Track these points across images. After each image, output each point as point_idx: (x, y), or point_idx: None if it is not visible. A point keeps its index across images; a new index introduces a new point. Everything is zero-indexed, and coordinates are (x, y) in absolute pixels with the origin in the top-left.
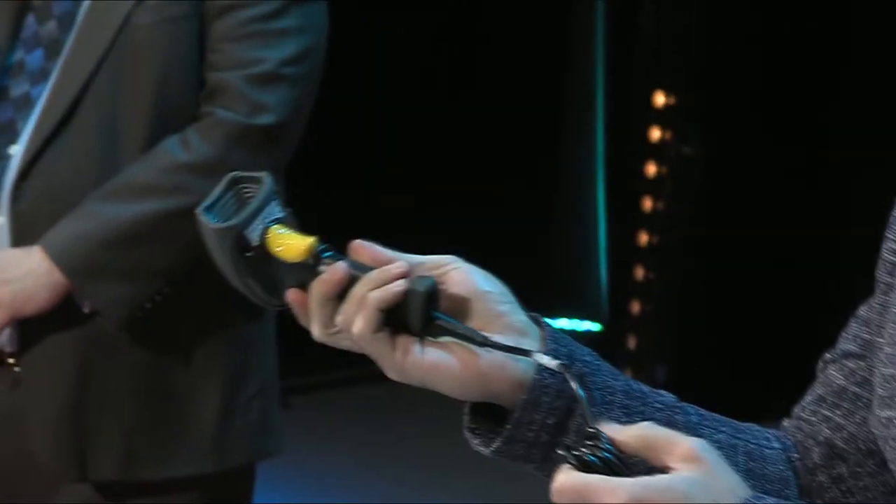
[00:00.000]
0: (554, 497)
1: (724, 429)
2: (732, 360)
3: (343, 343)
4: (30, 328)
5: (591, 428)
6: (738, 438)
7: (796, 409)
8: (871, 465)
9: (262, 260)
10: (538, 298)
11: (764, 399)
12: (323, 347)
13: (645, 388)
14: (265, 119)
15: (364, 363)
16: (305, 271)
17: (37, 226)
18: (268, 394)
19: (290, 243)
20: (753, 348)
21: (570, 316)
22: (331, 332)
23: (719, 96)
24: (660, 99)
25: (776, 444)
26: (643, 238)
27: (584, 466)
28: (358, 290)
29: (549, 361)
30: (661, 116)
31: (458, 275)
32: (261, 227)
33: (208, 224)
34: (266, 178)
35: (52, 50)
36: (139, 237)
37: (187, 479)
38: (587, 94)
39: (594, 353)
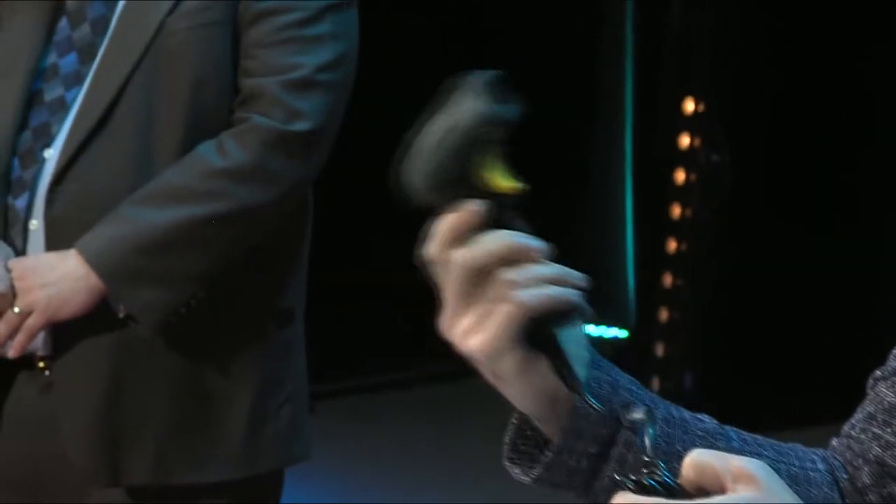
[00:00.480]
0: None
1: (766, 452)
2: (760, 368)
3: (450, 279)
4: (63, 332)
5: (647, 457)
6: (782, 461)
7: (846, 427)
8: None
9: (466, 158)
10: None
11: (792, 406)
12: (346, 353)
13: (686, 414)
14: (301, 125)
15: (387, 370)
16: (491, 204)
17: (71, 230)
18: (298, 399)
19: (496, 172)
20: (782, 356)
21: (597, 322)
22: (464, 273)
23: (748, 104)
24: (689, 106)
25: (821, 466)
26: (672, 245)
27: (643, 491)
28: (544, 272)
29: (639, 414)
30: (691, 123)
31: None
32: (493, 138)
33: (470, 94)
34: (515, 110)
35: (86, 54)
36: (174, 242)
37: (217, 484)
38: (616, 100)
39: (634, 380)
